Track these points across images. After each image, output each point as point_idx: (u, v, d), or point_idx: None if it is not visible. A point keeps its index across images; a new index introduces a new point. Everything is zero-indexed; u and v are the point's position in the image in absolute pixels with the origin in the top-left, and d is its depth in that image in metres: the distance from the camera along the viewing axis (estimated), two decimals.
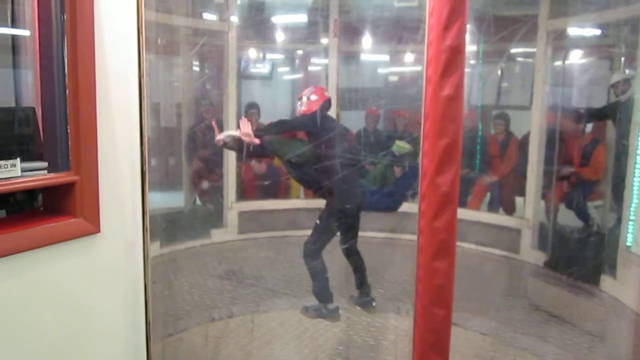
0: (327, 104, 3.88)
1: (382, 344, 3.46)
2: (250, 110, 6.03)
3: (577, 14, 4.85)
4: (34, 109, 1.94)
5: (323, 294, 3.83)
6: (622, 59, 4.98)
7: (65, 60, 1.86)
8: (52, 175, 1.86)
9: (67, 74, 1.86)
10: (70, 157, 1.89)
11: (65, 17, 1.84)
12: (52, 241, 1.80)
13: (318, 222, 3.87)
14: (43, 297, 1.81)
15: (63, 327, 1.89)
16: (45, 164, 1.87)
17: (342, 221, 3.83)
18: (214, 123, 4.06)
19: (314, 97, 3.82)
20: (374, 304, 4.00)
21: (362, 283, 3.99)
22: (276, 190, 6.03)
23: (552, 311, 3.89)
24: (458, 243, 1.72)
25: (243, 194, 5.82)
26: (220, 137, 3.87)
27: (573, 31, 5.20)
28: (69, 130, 1.88)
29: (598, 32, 5.08)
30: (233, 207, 5.63)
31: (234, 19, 5.70)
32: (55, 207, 1.94)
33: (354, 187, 3.84)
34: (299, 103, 3.86)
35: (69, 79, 1.86)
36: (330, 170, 3.72)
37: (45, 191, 1.98)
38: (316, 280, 3.83)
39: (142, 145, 2.16)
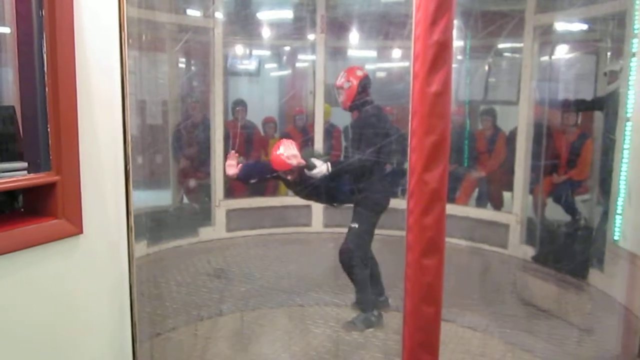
0: (367, 81, 3.53)
1: (371, 341, 3.44)
2: (237, 107, 6.01)
3: (564, 9, 4.87)
4: (13, 107, 1.90)
5: (368, 303, 3.59)
6: (609, 53, 5.00)
7: (45, 57, 1.81)
8: (32, 175, 1.82)
9: (46, 72, 1.82)
10: (51, 157, 1.84)
11: (44, 13, 1.79)
12: (34, 243, 1.76)
13: (357, 225, 3.51)
14: (25, 300, 1.77)
15: (46, 330, 1.86)
16: (25, 164, 1.83)
17: (375, 220, 3.55)
18: (234, 154, 3.69)
19: (347, 85, 3.50)
20: (389, 301, 3.83)
21: (375, 284, 3.78)
22: (264, 188, 6.00)
23: (541, 305, 3.90)
24: (446, 239, 1.71)
25: (231, 191, 5.78)
26: (234, 170, 3.66)
27: (560, 26, 5.21)
28: (49, 130, 1.83)
29: (585, 26, 5.10)
30: (221, 204, 5.60)
31: (219, 15, 5.65)
32: (36, 208, 1.90)
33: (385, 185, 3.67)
34: (338, 93, 3.58)
35: (48, 76, 1.82)
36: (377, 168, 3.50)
37: (25, 192, 1.93)
38: (361, 289, 3.55)
39: (125, 143, 2.13)
